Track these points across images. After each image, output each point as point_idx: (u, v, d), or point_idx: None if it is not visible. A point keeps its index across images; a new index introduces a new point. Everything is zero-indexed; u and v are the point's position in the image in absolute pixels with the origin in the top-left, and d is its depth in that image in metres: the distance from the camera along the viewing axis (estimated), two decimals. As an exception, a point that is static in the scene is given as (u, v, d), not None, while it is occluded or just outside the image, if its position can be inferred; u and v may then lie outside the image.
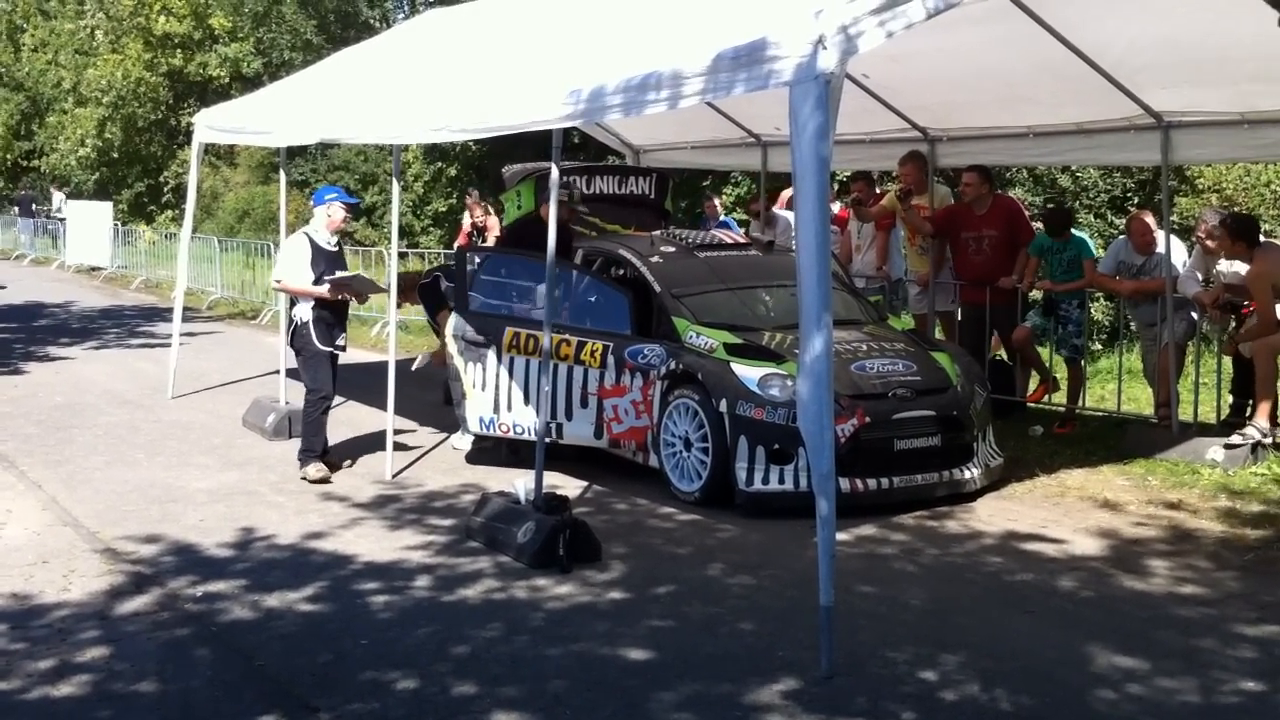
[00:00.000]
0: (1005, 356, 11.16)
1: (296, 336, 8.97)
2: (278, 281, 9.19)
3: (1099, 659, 5.49)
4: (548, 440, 7.64)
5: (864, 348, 8.43)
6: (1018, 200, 12.72)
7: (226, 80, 33.63)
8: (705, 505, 8.01)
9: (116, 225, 27.74)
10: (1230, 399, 9.86)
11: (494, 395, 8.92)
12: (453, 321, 9.16)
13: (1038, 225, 11.27)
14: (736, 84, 5.71)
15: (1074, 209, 14.42)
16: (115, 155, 36.21)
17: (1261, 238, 9.33)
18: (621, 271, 9.47)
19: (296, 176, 29.69)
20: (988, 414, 8.66)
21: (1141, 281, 9.88)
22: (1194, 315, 9.68)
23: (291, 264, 8.95)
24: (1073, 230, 10.62)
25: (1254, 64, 8.08)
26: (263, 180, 32.04)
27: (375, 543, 7.30)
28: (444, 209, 26.84)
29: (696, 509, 8.00)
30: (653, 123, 11.93)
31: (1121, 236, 10.38)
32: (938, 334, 11.17)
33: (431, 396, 11.16)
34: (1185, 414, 9.55)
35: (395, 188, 9.48)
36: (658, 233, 9.89)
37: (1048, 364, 10.71)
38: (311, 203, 9.32)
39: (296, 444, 9.55)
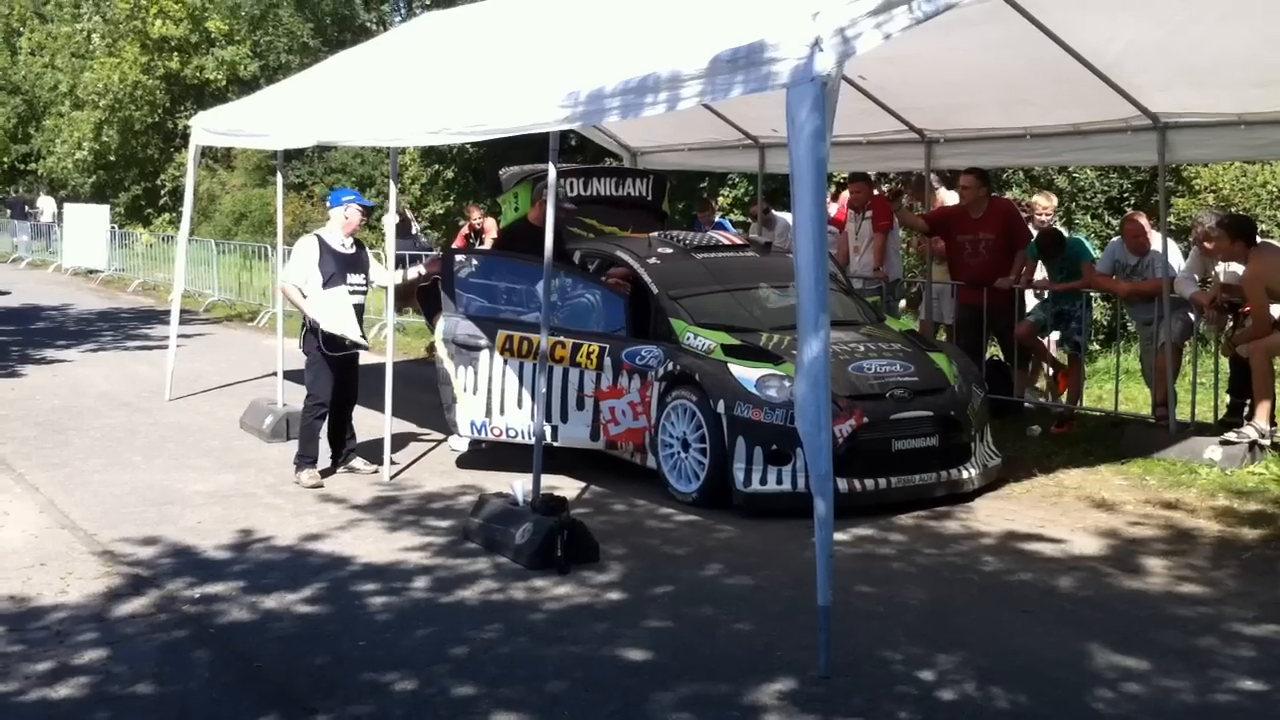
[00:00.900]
0: (1001, 355, 11.19)
1: (305, 340, 8.98)
2: (285, 283, 9.18)
3: (1097, 658, 5.50)
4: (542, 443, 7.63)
5: (861, 348, 8.44)
6: (1013, 202, 12.74)
7: (223, 83, 33.60)
8: (703, 506, 8.01)
9: (114, 228, 27.74)
10: (1228, 399, 9.87)
11: (486, 398, 8.84)
12: (442, 324, 9.01)
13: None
14: (734, 86, 5.71)
15: (1070, 209, 14.43)
16: (112, 158, 36.21)
17: (1259, 238, 9.33)
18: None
19: (294, 179, 29.69)
20: (985, 414, 8.67)
21: (1138, 282, 9.89)
22: (1190, 315, 9.69)
23: (296, 264, 8.97)
24: (1066, 235, 10.62)
25: (1251, 67, 8.10)
26: (260, 183, 32.04)
27: (373, 544, 7.30)
28: (441, 211, 26.85)
29: (694, 510, 8.00)
30: (650, 125, 11.93)
31: (1117, 237, 10.38)
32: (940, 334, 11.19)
33: (429, 398, 11.15)
34: (1183, 414, 9.56)
35: (392, 190, 9.48)
36: (655, 234, 9.89)
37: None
38: (328, 204, 9.31)
39: (294, 446, 9.56)
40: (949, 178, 12.27)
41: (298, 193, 30.19)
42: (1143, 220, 10.05)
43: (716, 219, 14.81)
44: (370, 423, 9.39)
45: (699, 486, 8.11)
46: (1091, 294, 10.20)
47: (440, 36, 10.88)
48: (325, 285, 8.82)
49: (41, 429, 10.73)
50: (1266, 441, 8.86)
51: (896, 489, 7.92)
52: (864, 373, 8.16)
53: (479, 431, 8.93)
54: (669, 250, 9.45)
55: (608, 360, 8.69)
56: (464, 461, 9.28)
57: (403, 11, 32.31)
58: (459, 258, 9.28)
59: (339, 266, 8.88)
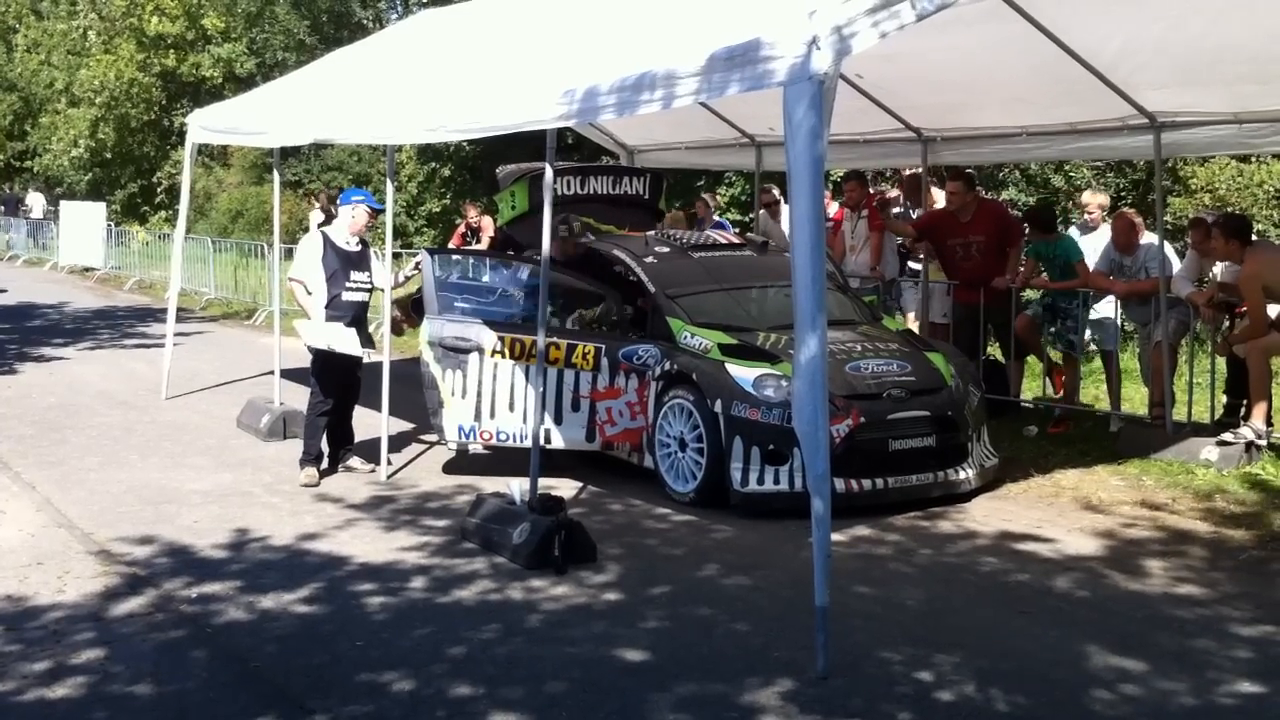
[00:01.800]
0: (999, 355, 11.19)
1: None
2: (291, 279, 9.13)
3: (1094, 659, 5.50)
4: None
5: (858, 348, 8.43)
6: (1003, 204, 12.77)
7: (220, 81, 33.56)
8: (700, 506, 8.01)
9: (110, 226, 27.70)
10: (1224, 399, 9.88)
11: (475, 402, 8.73)
12: (427, 328, 8.84)
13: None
14: (730, 84, 5.70)
15: (1067, 209, 14.44)
16: (108, 156, 36.18)
17: (1255, 237, 9.34)
18: (616, 271, 9.47)
19: (290, 177, 29.66)
20: (982, 414, 8.67)
21: (1135, 282, 9.89)
22: (1203, 313, 9.67)
23: (302, 261, 8.98)
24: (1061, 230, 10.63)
25: (1247, 65, 8.11)
26: (256, 181, 31.99)
27: (370, 544, 7.29)
28: (438, 209, 26.85)
29: (691, 510, 8.00)
30: (647, 123, 11.94)
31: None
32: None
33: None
34: (1180, 414, 9.56)
35: (389, 188, 9.47)
36: (652, 233, 9.88)
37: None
38: (338, 203, 9.28)
39: (291, 445, 9.57)
40: (941, 178, 12.27)
41: (294, 190, 30.15)
42: (1129, 218, 10.04)
43: (715, 219, 14.79)
44: (368, 422, 9.37)
45: (696, 486, 8.10)
46: (1087, 294, 10.16)
47: (437, 34, 10.87)
48: (329, 281, 8.84)
49: (38, 427, 10.72)
50: (1263, 442, 8.87)
51: (893, 489, 7.91)
52: (861, 372, 8.15)
53: (467, 436, 8.78)
54: (666, 249, 9.45)
55: (604, 360, 8.69)
56: (461, 462, 9.25)
57: (399, 9, 32.31)
58: (437, 258, 9.16)
59: (342, 264, 8.89)
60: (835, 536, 6.38)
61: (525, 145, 10.44)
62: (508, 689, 5.16)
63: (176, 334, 12.98)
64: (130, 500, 8.29)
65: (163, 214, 33.87)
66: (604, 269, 9.42)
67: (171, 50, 34.59)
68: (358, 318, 8.99)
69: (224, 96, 23.00)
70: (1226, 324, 9.72)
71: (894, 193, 13.09)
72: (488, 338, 8.69)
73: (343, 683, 5.25)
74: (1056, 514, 7.94)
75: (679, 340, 8.50)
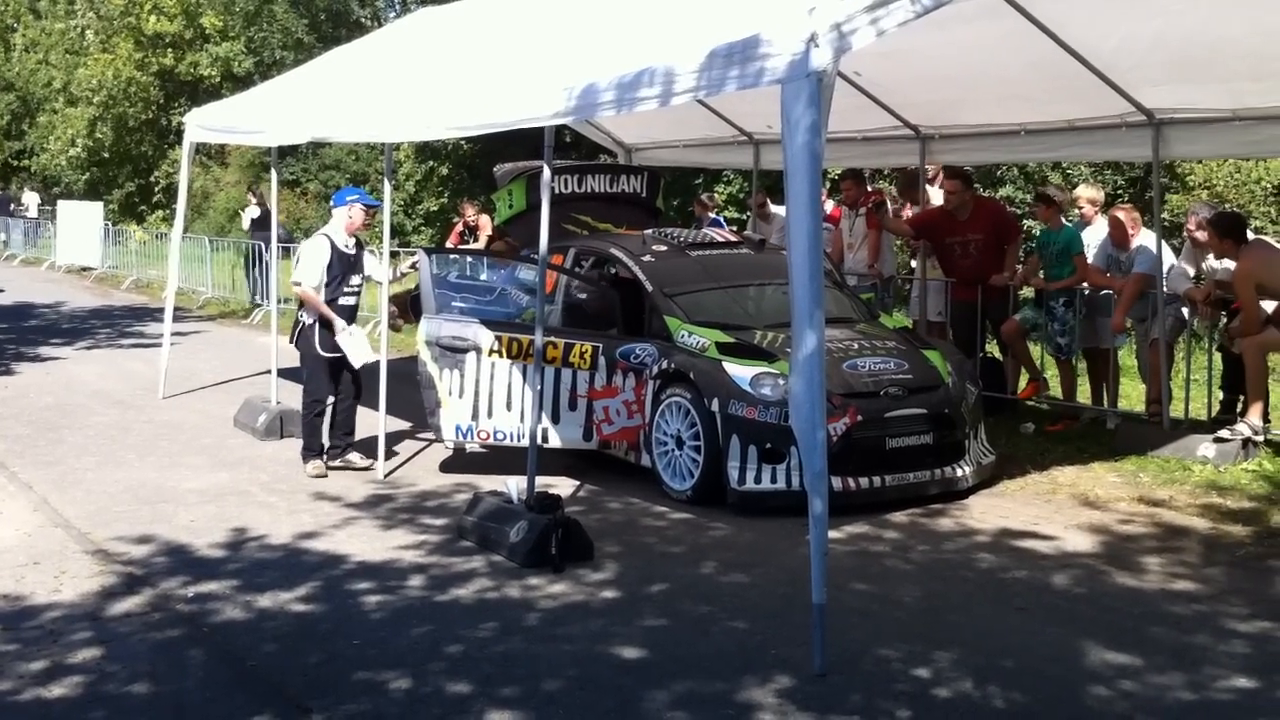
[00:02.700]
0: (998, 353, 11.19)
1: (300, 339, 8.96)
2: (297, 285, 9.05)
3: (1092, 655, 5.50)
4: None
5: (856, 346, 8.43)
6: (1000, 201, 12.76)
7: (217, 80, 33.55)
8: (697, 504, 8.00)
9: (107, 225, 27.68)
10: (1221, 396, 9.88)
11: (472, 402, 8.70)
12: (424, 327, 8.78)
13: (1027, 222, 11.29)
14: (728, 81, 5.70)
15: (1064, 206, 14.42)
16: (106, 155, 36.16)
17: (1252, 234, 9.34)
18: (613, 270, 9.47)
19: (288, 176, 29.66)
20: (979, 411, 8.67)
21: (1134, 277, 9.88)
22: (1184, 311, 9.69)
23: (309, 266, 8.94)
24: (1065, 221, 10.61)
25: (1245, 62, 8.11)
26: (254, 179, 31.98)
27: (368, 542, 7.29)
28: (435, 208, 26.84)
29: (689, 508, 7.99)
30: (644, 121, 11.93)
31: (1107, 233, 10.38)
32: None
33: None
34: (1177, 411, 9.57)
35: (386, 186, 9.47)
36: (649, 231, 9.87)
37: (1038, 361, 10.71)
38: (332, 203, 9.26)
39: (288, 444, 9.57)
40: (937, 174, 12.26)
41: (292, 189, 30.15)
42: (1121, 214, 10.04)
43: (711, 216, 14.79)
44: (366, 420, 9.36)
45: (693, 484, 8.10)
46: (1080, 291, 10.15)
47: (435, 32, 10.87)
48: (329, 285, 8.84)
49: (35, 427, 10.71)
50: (1260, 438, 8.87)
51: (891, 487, 7.91)
52: (858, 370, 8.15)
53: (465, 436, 8.76)
54: (663, 248, 9.43)
55: (602, 359, 8.68)
56: (458, 461, 9.25)
57: (397, 7, 32.32)
58: (434, 257, 9.14)
59: (343, 269, 8.89)
60: (832, 534, 6.39)
61: (523, 143, 10.45)
62: (505, 687, 5.16)
63: (174, 333, 12.96)
64: (127, 500, 8.28)
65: (160, 213, 33.88)
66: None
67: (169, 49, 34.58)
68: (349, 320, 8.99)
69: (222, 95, 22.97)
70: (1225, 319, 9.72)
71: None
72: (485, 337, 8.67)
73: (340, 681, 5.25)
74: (1054, 511, 7.94)
75: (676, 339, 8.49)
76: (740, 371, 8.02)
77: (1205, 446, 8.86)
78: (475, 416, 8.69)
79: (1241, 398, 9.37)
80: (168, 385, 12.09)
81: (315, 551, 7.13)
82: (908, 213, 11.98)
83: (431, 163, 26.44)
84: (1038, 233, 10.76)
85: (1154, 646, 5.61)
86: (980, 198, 11.59)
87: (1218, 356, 9.87)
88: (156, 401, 11.85)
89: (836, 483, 7.46)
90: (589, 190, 10.78)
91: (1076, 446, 9.43)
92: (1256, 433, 8.85)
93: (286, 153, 27.37)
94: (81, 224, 27.31)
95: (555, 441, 8.73)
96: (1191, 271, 9.69)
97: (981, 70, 9.34)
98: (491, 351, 8.68)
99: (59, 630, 5.88)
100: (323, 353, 8.84)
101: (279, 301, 12.29)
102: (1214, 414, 9.67)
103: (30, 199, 36.17)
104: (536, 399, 7.72)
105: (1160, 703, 5.03)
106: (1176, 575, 6.68)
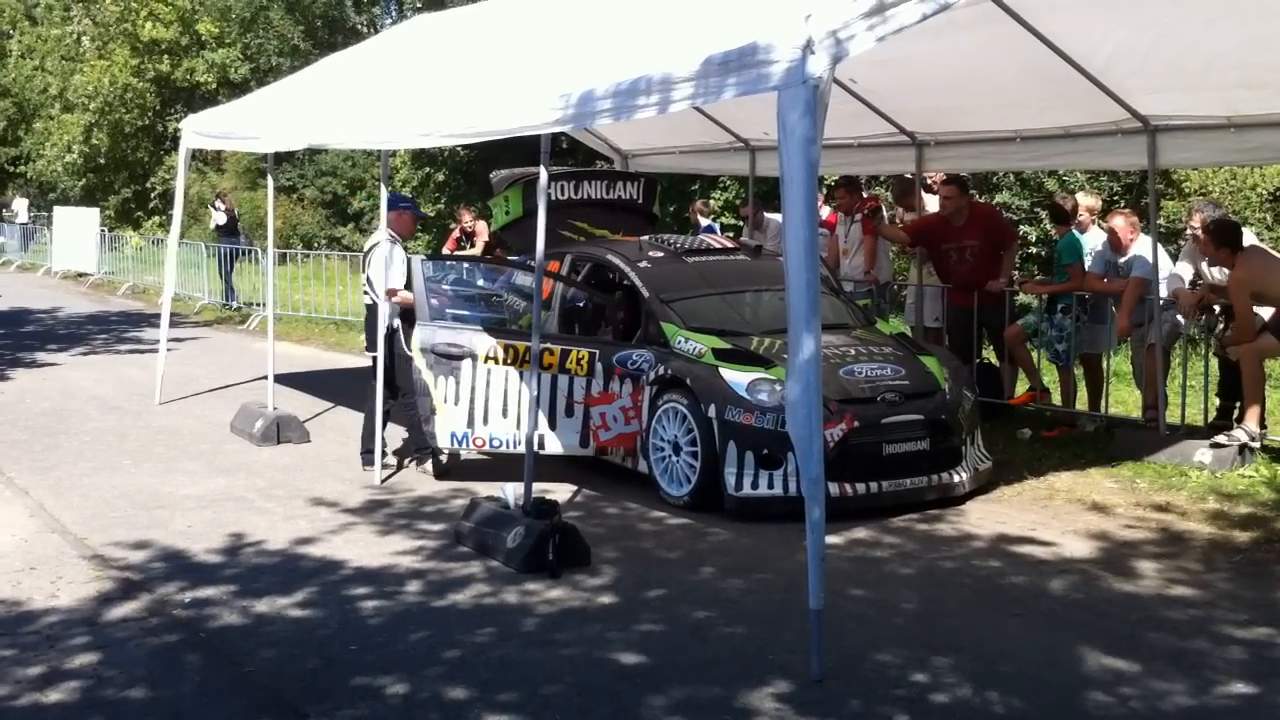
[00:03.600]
0: (994, 358, 11.20)
1: (390, 341, 9.05)
2: (392, 290, 9.06)
3: (1089, 661, 5.51)
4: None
5: (852, 352, 8.44)
6: (996, 207, 12.77)
7: (214, 86, 33.55)
8: (694, 510, 8.00)
9: (103, 231, 27.68)
10: (1217, 401, 9.89)
11: (468, 409, 8.69)
12: (418, 334, 8.75)
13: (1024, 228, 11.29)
14: (725, 89, 5.71)
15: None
16: (102, 161, 36.11)
17: (1248, 241, 9.36)
18: (610, 276, 9.47)
19: (284, 182, 29.64)
20: (976, 417, 8.67)
21: (1119, 282, 9.88)
22: (1179, 316, 9.71)
23: (397, 268, 9.07)
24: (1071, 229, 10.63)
25: (1239, 70, 8.13)
26: (250, 186, 31.97)
27: (365, 548, 7.28)
28: (432, 214, 26.81)
29: (686, 513, 8.00)
30: (641, 127, 11.95)
31: (1105, 239, 10.39)
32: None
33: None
34: (1173, 417, 9.58)
35: (383, 193, 9.47)
36: (646, 238, 9.88)
37: (1038, 369, 10.72)
38: (387, 207, 9.36)
39: (285, 449, 9.55)
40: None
41: (288, 195, 30.13)
42: (1118, 221, 10.05)
43: (705, 223, 14.80)
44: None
45: (690, 490, 8.10)
46: (1080, 298, 10.17)
47: (431, 39, 10.88)
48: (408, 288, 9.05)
49: (31, 433, 10.70)
50: (1256, 444, 8.89)
51: (887, 493, 7.92)
52: (855, 376, 8.16)
53: (460, 443, 8.75)
54: (660, 254, 9.44)
55: (598, 365, 8.68)
56: (455, 466, 9.24)
57: (394, 14, 32.30)
58: (428, 264, 9.13)
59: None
60: (830, 539, 6.39)
61: (520, 150, 10.42)
62: (502, 692, 5.16)
63: (170, 339, 12.96)
64: (124, 505, 8.28)
65: (156, 219, 33.86)
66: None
67: (166, 56, 34.55)
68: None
69: (218, 102, 22.96)
70: (1220, 325, 9.74)
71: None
72: (480, 344, 8.67)
73: (337, 687, 5.25)
74: (1051, 516, 7.95)
75: (673, 345, 8.50)
76: (737, 377, 8.03)
77: (1202, 452, 8.87)
78: (470, 423, 8.68)
79: (1238, 404, 9.39)
80: (164, 391, 12.09)
81: (312, 557, 7.13)
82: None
83: (428, 169, 26.42)
84: (1033, 239, 10.75)
85: (1152, 652, 5.61)
86: (976, 204, 11.61)
87: (1214, 362, 9.88)
88: (153, 407, 11.85)
89: (833, 488, 7.47)
90: (585, 196, 10.77)
91: (1073, 452, 9.44)
92: (1253, 438, 8.87)
93: (283, 159, 27.36)
94: (78, 230, 27.31)
95: (552, 448, 8.72)
96: (1191, 272, 9.70)
97: (977, 77, 9.36)
98: (487, 358, 8.67)
99: (56, 635, 5.87)
100: (409, 352, 8.87)
101: (254, 305, 12.27)
102: (1211, 420, 9.68)
103: (19, 205, 36.12)
104: (533, 404, 7.71)
105: (1159, 708, 5.03)
106: (1174, 581, 6.68)
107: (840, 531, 7.37)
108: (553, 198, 9.68)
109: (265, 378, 10.96)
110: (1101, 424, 10.06)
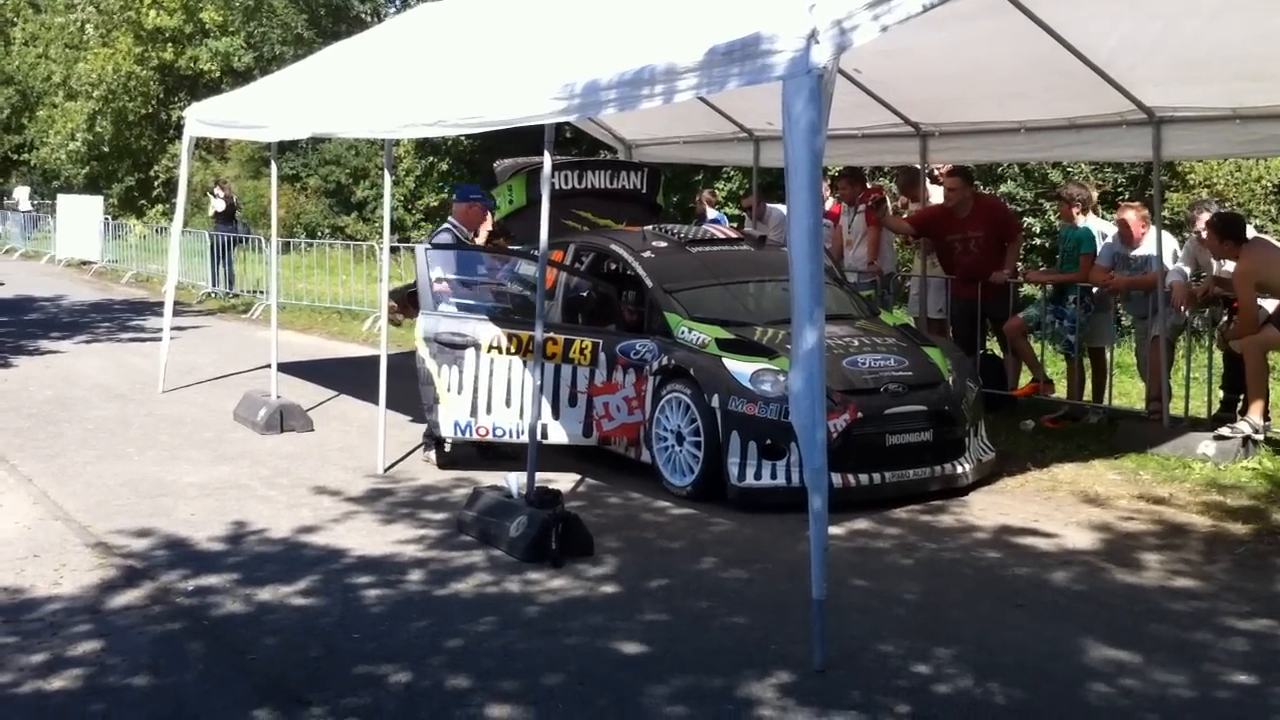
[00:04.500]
0: (998, 350, 11.19)
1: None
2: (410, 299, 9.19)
3: (1092, 652, 5.51)
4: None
5: (856, 343, 8.43)
6: (1000, 199, 12.74)
7: (217, 74, 33.51)
8: (697, 500, 8.01)
9: (107, 219, 27.68)
10: (1221, 394, 9.88)
11: (471, 398, 8.66)
12: (422, 323, 8.74)
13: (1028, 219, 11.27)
14: (730, 79, 5.70)
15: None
16: (105, 149, 36.11)
17: (1253, 233, 9.34)
18: (614, 266, 9.47)
19: (287, 171, 29.63)
20: (979, 408, 8.67)
21: (1135, 277, 9.89)
22: (1182, 309, 9.68)
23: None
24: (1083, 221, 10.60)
25: (1244, 61, 8.12)
26: (254, 175, 31.97)
27: (368, 537, 7.29)
28: (435, 204, 26.81)
29: (689, 504, 8.00)
30: (645, 117, 11.92)
31: (1114, 232, 10.39)
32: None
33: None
34: (1177, 409, 9.57)
35: (387, 181, 9.47)
36: (650, 228, 9.87)
37: (1041, 360, 10.71)
38: (454, 198, 9.38)
39: (288, 438, 9.55)
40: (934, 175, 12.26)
41: (291, 184, 30.13)
42: (1128, 214, 10.03)
43: (712, 214, 14.78)
44: (365, 415, 9.38)
45: (693, 480, 8.10)
46: (1088, 290, 10.15)
47: (435, 28, 10.86)
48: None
49: (35, 420, 10.72)
50: (1260, 437, 8.88)
51: (890, 484, 7.91)
52: (858, 367, 8.16)
53: (464, 432, 8.72)
54: (664, 244, 9.43)
55: (602, 355, 8.68)
56: (458, 455, 9.22)
57: (397, 2, 32.29)
58: (432, 253, 9.10)
59: None
60: (832, 530, 6.39)
61: (524, 140, 10.41)
62: (504, 681, 5.16)
63: (174, 327, 12.97)
64: (127, 493, 8.29)
65: (160, 207, 33.83)
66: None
67: (169, 44, 34.52)
68: None
69: (221, 90, 22.94)
70: (1224, 318, 9.72)
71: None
72: (484, 333, 8.67)
73: (340, 675, 5.26)
74: (1054, 508, 7.95)
75: (676, 335, 8.50)
76: (740, 368, 8.03)
77: (1205, 444, 8.87)
78: (474, 413, 8.67)
79: (1242, 396, 9.38)
80: (168, 379, 12.10)
81: (315, 545, 7.13)
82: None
83: (431, 158, 26.43)
84: (1037, 230, 10.72)
85: (1154, 643, 5.62)
86: (981, 195, 11.60)
87: (1217, 355, 9.87)
88: (156, 395, 11.86)
89: (836, 479, 7.47)
90: (589, 186, 10.77)
91: (1076, 444, 9.44)
92: (1257, 431, 8.86)
93: (286, 148, 27.34)
94: (81, 218, 27.31)
95: (555, 437, 8.72)
96: (1189, 270, 9.69)
97: (981, 68, 9.34)
98: (490, 347, 8.66)
99: (59, 623, 5.88)
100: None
101: (257, 294, 12.26)
102: (1214, 412, 9.67)
103: (21, 192, 36.12)
104: (537, 394, 7.71)
105: (1160, 700, 5.03)
106: (1177, 572, 6.69)
107: (843, 522, 7.37)
108: (556, 187, 9.66)
109: (268, 366, 10.96)
110: (1104, 416, 10.05)
